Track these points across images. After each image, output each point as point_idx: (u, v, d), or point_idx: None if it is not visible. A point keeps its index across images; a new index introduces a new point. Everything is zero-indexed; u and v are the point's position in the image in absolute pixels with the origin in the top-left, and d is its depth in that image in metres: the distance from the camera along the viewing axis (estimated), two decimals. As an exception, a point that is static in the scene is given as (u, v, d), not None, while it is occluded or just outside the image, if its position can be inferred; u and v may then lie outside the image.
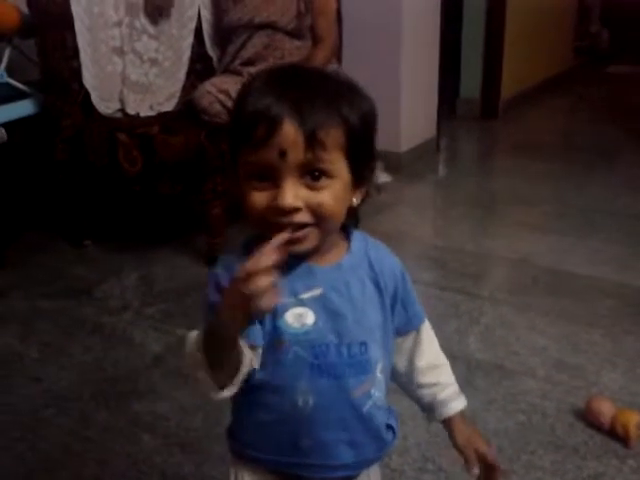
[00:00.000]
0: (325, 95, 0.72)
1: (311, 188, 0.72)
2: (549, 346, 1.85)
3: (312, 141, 0.70)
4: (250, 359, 0.75)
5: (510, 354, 1.82)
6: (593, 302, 2.07)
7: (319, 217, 0.73)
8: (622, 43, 5.99)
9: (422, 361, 0.90)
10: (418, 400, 0.93)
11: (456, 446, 0.91)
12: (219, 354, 0.73)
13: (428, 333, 0.91)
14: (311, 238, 0.74)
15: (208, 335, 0.73)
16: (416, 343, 0.90)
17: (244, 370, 0.75)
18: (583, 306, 2.05)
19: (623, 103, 4.72)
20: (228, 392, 0.75)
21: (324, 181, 0.72)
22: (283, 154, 0.70)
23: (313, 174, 0.72)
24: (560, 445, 1.48)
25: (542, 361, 1.78)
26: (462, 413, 0.93)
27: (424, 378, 0.91)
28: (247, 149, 0.72)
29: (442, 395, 0.91)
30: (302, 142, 0.69)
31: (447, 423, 0.93)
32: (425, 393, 0.91)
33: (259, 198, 0.72)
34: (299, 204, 0.71)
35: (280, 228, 0.72)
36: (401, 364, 0.90)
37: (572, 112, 4.84)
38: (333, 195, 0.73)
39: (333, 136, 0.71)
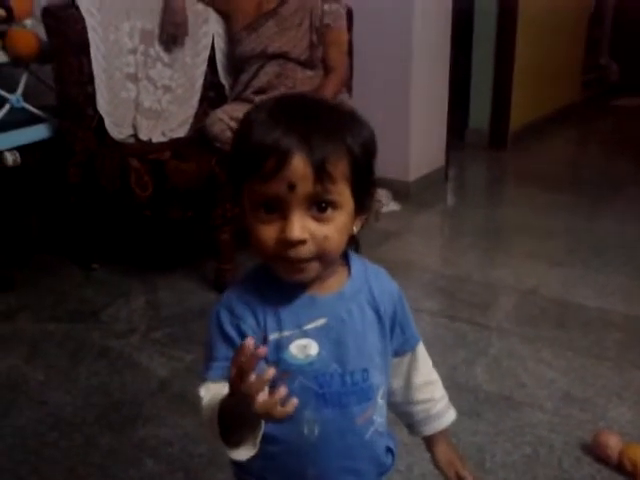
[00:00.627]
0: (330, 126, 0.73)
1: (317, 220, 0.73)
2: (557, 378, 1.83)
3: (321, 174, 0.70)
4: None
5: (518, 386, 1.80)
6: (601, 334, 2.06)
7: (323, 250, 0.74)
8: (632, 76, 6.01)
9: (418, 379, 0.92)
10: (410, 416, 0.94)
11: (437, 465, 0.94)
12: (238, 430, 0.72)
13: (422, 351, 0.93)
14: (312, 269, 0.75)
15: (226, 414, 0.72)
16: (412, 362, 0.91)
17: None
18: (591, 338, 2.04)
19: (632, 136, 4.73)
20: (246, 453, 0.73)
21: (330, 212, 0.73)
22: (292, 187, 0.70)
23: (320, 205, 0.72)
24: (567, 479, 1.46)
25: (550, 393, 1.77)
26: (447, 430, 0.95)
27: (419, 395, 0.92)
28: (255, 180, 0.72)
29: (435, 410, 0.93)
30: (311, 175, 0.70)
31: (431, 439, 0.95)
32: (419, 409, 0.93)
33: (267, 232, 0.73)
34: (306, 236, 0.72)
35: (286, 261, 0.73)
36: (397, 383, 0.91)
37: (580, 144, 4.86)
38: (338, 227, 0.74)
39: (340, 167, 0.72)
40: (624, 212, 3.17)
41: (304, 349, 0.78)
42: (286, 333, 0.78)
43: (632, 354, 1.94)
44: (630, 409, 1.69)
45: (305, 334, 0.78)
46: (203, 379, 0.78)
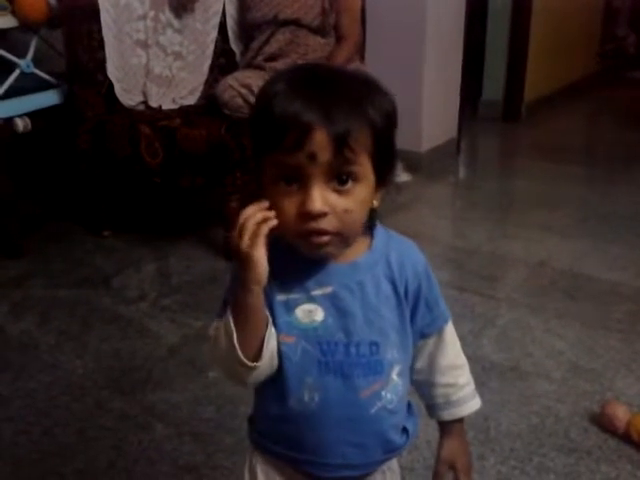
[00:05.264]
0: (352, 98, 0.71)
1: (338, 192, 0.72)
2: (565, 349, 1.83)
3: (341, 146, 0.69)
4: (274, 333, 0.77)
5: (525, 356, 1.81)
6: (610, 307, 2.05)
7: (343, 223, 0.72)
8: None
9: (443, 361, 0.88)
10: (430, 398, 0.91)
11: (438, 457, 0.91)
12: (245, 315, 0.74)
13: (451, 333, 0.89)
14: (332, 244, 0.74)
15: (233, 300, 0.75)
16: (439, 344, 0.87)
17: (271, 341, 0.76)
18: (600, 310, 2.03)
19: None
20: (258, 363, 0.75)
21: (351, 185, 0.72)
22: (313, 157, 0.69)
23: (341, 178, 0.71)
24: (573, 448, 1.47)
25: (557, 364, 1.77)
26: (462, 425, 0.92)
27: (442, 378, 0.89)
28: (276, 153, 0.71)
29: (456, 396, 0.89)
30: (332, 147, 0.69)
31: (446, 428, 0.91)
32: (440, 393, 0.89)
33: (288, 205, 0.72)
34: (326, 209, 0.71)
35: (305, 234, 0.72)
36: (421, 363, 0.88)
37: (595, 117, 4.79)
38: (359, 200, 0.73)
39: (361, 140, 0.71)
40: (638, 185, 3.14)
41: (309, 314, 0.78)
42: (293, 296, 0.78)
43: (641, 326, 1.94)
44: (637, 380, 1.69)
45: (312, 299, 0.78)
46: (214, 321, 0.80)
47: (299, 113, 0.69)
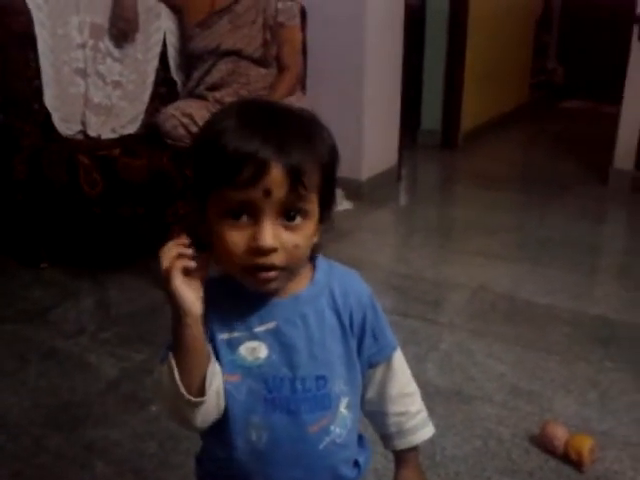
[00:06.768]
0: (304, 136, 0.73)
1: (287, 228, 0.72)
2: (506, 372, 1.87)
3: (296, 183, 0.70)
4: (219, 372, 0.76)
5: (468, 380, 1.84)
6: (549, 329, 2.11)
7: (292, 258, 0.73)
8: (576, 79, 6.22)
9: (393, 390, 0.88)
10: (383, 428, 0.91)
11: None
12: (184, 347, 0.73)
13: (400, 361, 0.89)
14: (279, 279, 0.74)
15: (172, 335, 0.75)
16: (388, 372, 0.87)
17: (216, 379, 0.75)
18: (539, 333, 2.09)
19: (578, 137, 4.87)
20: (202, 398, 0.74)
21: (299, 221, 0.73)
22: (268, 193, 0.70)
23: (289, 214, 0.72)
24: (515, 470, 1.49)
25: (499, 387, 1.80)
26: (417, 453, 0.92)
27: (393, 407, 0.89)
28: (227, 188, 0.71)
29: (409, 424, 0.90)
30: (287, 184, 0.70)
31: (401, 457, 0.92)
32: (392, 422, 0.89)
33: (237, 238, 0.72)
34: (277, 245, 0.71)
35: (252, 269, 0.72)
36: (371, 393, 0.88)
37: (528, 144, 4.97)
38: (307, 236, 0.74)
39: (313, 177, 0.72)
40: (571, 210, 3.26)
41: (253, 351, 0.77)
42: (236, 334, 0.77)
43: (578, 348, 2.00)
44: (576, 400, 1.74)
45: (255, 336, 0.77)
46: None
47: (256, 149, 0.69)
